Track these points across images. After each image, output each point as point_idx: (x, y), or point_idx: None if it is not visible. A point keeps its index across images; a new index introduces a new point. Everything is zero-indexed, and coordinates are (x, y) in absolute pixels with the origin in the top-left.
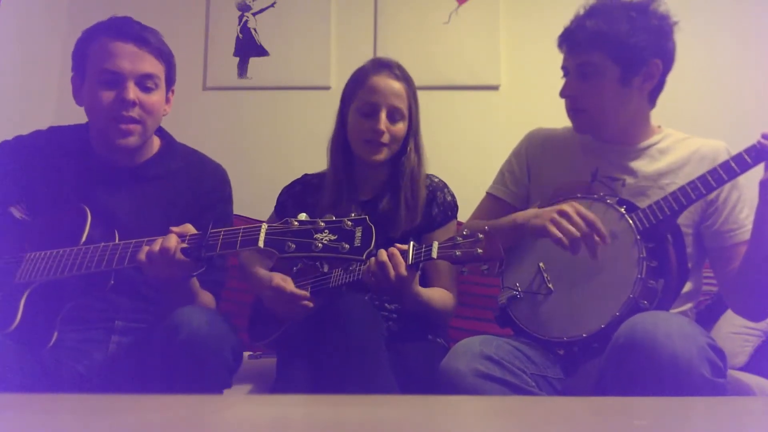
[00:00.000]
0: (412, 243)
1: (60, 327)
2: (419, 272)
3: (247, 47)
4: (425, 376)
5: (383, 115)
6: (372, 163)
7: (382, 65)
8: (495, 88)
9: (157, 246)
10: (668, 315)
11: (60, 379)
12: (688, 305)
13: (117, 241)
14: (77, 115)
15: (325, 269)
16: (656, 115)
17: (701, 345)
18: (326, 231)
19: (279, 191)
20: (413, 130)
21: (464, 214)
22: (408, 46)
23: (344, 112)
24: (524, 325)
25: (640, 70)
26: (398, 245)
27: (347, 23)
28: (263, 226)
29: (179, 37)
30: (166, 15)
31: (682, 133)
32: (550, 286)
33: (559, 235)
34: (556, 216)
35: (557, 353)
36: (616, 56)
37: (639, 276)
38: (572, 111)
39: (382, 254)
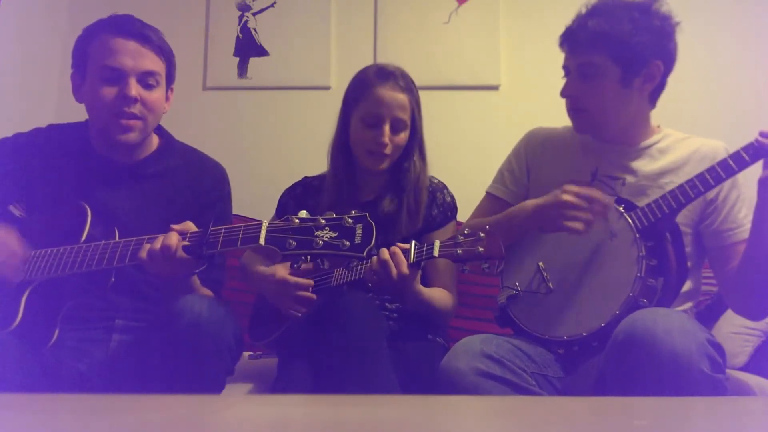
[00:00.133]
0: (413, 242)
1: (61, 326)
2: (420, 272)
3: (247, 47)
4: (425, 376)
5: (387, 128)
6: (374, 171)
7: (386, 75)
8: (495, 88)
9: (158, 244)
10: (668, 311)
11: (60, 378)
12: (688, 304)
13: (117, 239)
14: (77, 114)
15: (326, 266)
16: (656, 115)
17: (701, 341)
18: (327, 228)
19: (279, 191)
20: (417, 138)
21: (464, 214)
22: (408, 46)
23: (346, 116)
24: (524, 324)
25: (641, 70)
26: (400, 244)
27: (347, 23)
28: (264, 224)
29: (179, 37)
30: (166, 15)
31: (682, 133)
32: (549, 285)
33: (579, 227)
34: (564, 212)
35: (557, 352)
36: (618, 57)
37: (638, 274)
38: (573, 111)
39: (384, 253)
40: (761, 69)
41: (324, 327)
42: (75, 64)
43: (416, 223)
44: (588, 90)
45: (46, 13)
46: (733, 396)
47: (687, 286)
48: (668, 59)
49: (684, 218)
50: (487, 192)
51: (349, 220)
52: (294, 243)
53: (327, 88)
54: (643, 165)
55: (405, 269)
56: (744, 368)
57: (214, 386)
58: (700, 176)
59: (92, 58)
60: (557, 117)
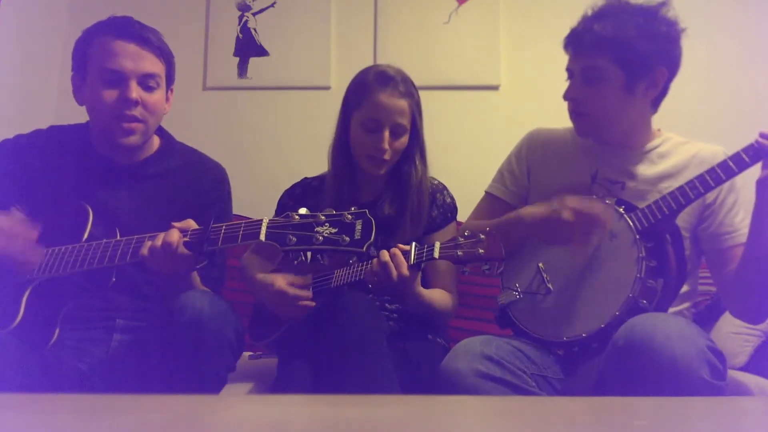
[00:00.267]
0: (414, 243)
1: (61, 325)
2: (420, 273)
3: (247, 47)
4: (425, 376)
5: (386, 134)
6: (372, 174)
7: (386, 80)
8: (495, 88)
9: (159, 241)
10: (667, 317)
11: (61, 377)
12: (685, 305)
13: (119, 238)
14: (77, 115)
15: (326, 262)
16: (656, 116)
17: (700, 347)
18: (327, 224)
19: (279, 191)
20: (418, 142)
21: (464, 215)
22: (408, 46)
23: (346, 117)
24: (524, 325)
25: (646, 76)
26: (400, 245)
27: (347, 23)
28: (264, 220)
29: (179, 37)
30: (166, 15)
31: (682, 137)
32: (549, 286)
33: (582, 244)
34: (567, 230)
35: (557, 353)
36: (622, 62)
37: (638, 275)
38: (575, 114)
39: (384, 254)
40: (761, 70)
41: (324, 327)
42: (75, 66)
43: (419, 227)
44: (591, 94)
45: (46, 13)
46: (733, 396)
47: (684, 287)
48: (673, 65)
49: (682, 221)
50: (486, 192)
51: (349, 216)
52: (294, 239)
53: (327, 88)
54: (643, 169)
55: (405, 271)
56: (744, 368)
57: (216, 382)
58: (699, 177)
59: (92, 60)
60: (557, 117)
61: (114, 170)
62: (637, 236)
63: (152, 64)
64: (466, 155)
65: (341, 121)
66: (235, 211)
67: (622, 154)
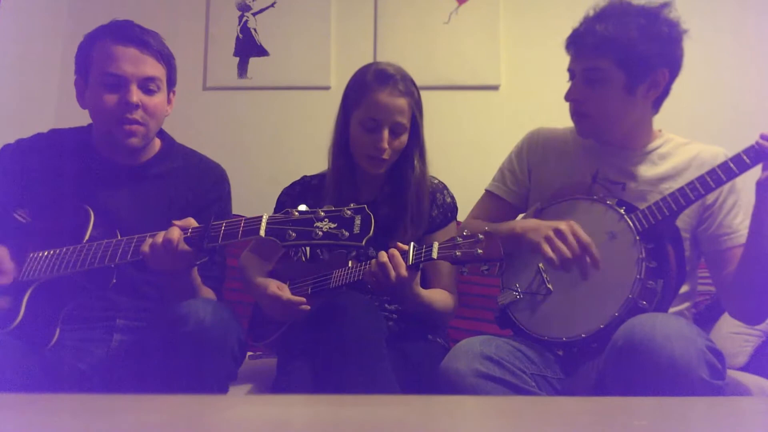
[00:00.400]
0: (412, 244)
1: (62, 326)
2: (419, 273)
3: (247, 47)
4: (425, 376)
5: (386, 134)
6: (372, 174)
7: (385, 79)
8: (495, 88)
9: (160, 238)
10: (667, 317)
11: (61, 377)
12: (685, 305)
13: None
14: (78, 117)
15: (325, 257)
16: (656, 117)
17: (700, 347)
18: (326, 219)
19: (279, 191)
20: (418, 140)
21: (464, 215)
22: (408, 46)
23: (346, 116)
24: (524, 325)
25: (647, 77)
26: (399, 244)
27: (347, 23)
28: (264, 216)
29: (179, 38)
30: (166, 15)
31: (682, 138)
32: (549, 286)
33: (551, 255)
34: (551, 234)
35: (557, 353)
36: (624, 63)
37: (638, 276)
38: (576, 115)
39: (383, 255)
40: (761, 70)
41: (323, 328)
42: (78, 70)
43: (419, 227)
44: (592, 95)
45: (46, 13)
46: (732, 396)
47: (684, 287)
48: (674, 67)
49: (682, 222)
50: (486, 190)
51: (348, 211)
52: (294, 234)
53: (327, 88)
54: (644, 170)
55: (404, 271)
56: (744, 368)
57: (216, 391)
58: (700, 179)
59: (94, 64)
60: (557, 117)
61: (115, 172)
62: (638, 237)
63: (152, 68)
64: (466, 155)
65: (340, 119)
66: (235, 211)
67: (623, 154)
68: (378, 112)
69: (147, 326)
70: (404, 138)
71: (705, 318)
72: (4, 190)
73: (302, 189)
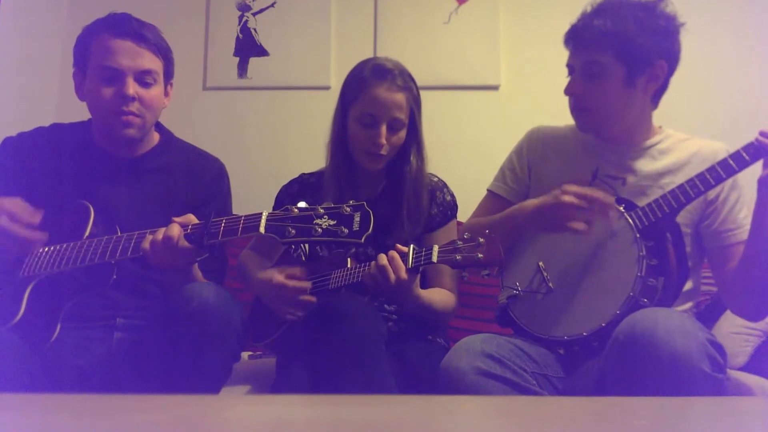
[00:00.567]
0: (412, 246)
1: (62, 323)
2: (419, 273)
3: (247, 47)
4: (426, 377)
5: (383, 129)
6: (370, 170)
7: (383, 74)
8: (495, 88)
9: (160, 235)
10: (668, 311)
11: (61, 375)
12: (688, 304)
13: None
14: (77, 113)
15: (324, 253)
16: (656, 115)
17: (701, 341)
18: (326, 217)
19: (279, 191)
20: (416, 137)
21: (464, 215)
22: (408, 46)
23: (344, 111)
24: (524, 324)
25: (646, 70)
26: (398, 246)
27: (347, 23)
28: (264, 213)
29: (179, 37)
30: (166, 15)
31: (683, 134)
32: (550, 284)
33: (581, 227)
34: (567, 213)
35: (558, 352)
36: (623, 56)
37: (639, 274)
38: (576, 110)
39: (382, 258)
40: (761, 69)
41: (322, 328)
42: (76, 63)
43: (418, 225)
44: (592, 89)
45: (46, 13)
46: (733, 396)
47: (687, 285)
48: (672, 59)
49: (684, 218)
50: (488, 190)
51: (347, 208)
52: (293, 231)
53: (327, 88)
54: (644, 165)
55: (403, 274)
56: (744, 368)
57: (222, 371)
58: (700, 176)
59: (91, 58)
60: (557, 117)
61: (114, 164)
62: (638, 235)
63: (149, 61)
64: (466, 155)
65: (338, 115)
66: (235, 210)
67: (622, 150)
68: (375, 108)
69: (148, 324)
70: (402, 134)
71: (705, 318)
72: (5, 183)
73: (300, 187)
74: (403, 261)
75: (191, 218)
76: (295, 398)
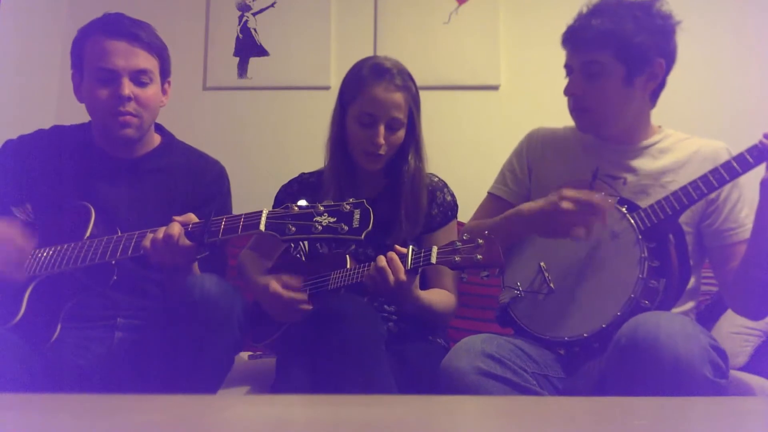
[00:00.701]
0: (411, 247)
1: (63, 323)
2: (419, 274)
3: (247, 47)
4: (425, 377)
5: (382, 129)
6: (369, 170)
7: (381, 73)
8: (495, 88)
9: (161, 233)
10: (671, 315)
11: (62, 375)
12: (690, 304)
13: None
14: (77, 114)
15: (324, 250)
16: (656, 115)
17: (703, 346)
18: (325, 214)
19: (278, 191)
20: (415, 137)
21: (464, 215)
22: (408, 46)
23: (342, 110)
24: (525, 324)
25: (645, 69)
26: (397, 248)
27: (347, 23)
28: (264, 211)
29: (179, 37)
30: (166, 15)
31: (683, 133)
32: (551, 285)
33: (580, 234)
34: (560, 219)
35: (558, 353)
36: (622, 55)
37: (640, 276)
38: (576, 110)
39: (381, 260)
40: (761, 69)
41: (322, 329)
42: (73, 65)
43: (416, 225)
44: (592, 88)
45: (46, 13)
46: (734, 396)
47: (689, 285)
48: (670, 58)
49: (686, 217)
50: (488, 192)
51: (347, 206)
52: (293, 228)
53: (327, 88)
54: (644, 164)
55: (402, 276)
56: (744, 368)
57: (225, 361)
58: (703, 178)
59: (87, 59)
60: (557, 117)
61: (114, 165)
62: (640, 236)
63: (144, 60)
64: (466, 155)
65: (337, 114)
66: (235, 210)
67: (622, 149)
68: (374, 107)
69: (148, 324)
70: (401, 133)
71: (705, 318)
72: (4, 186)
73: (300, 186)
74: (402, 262)
75: (191, 217)
76: (295, 398)
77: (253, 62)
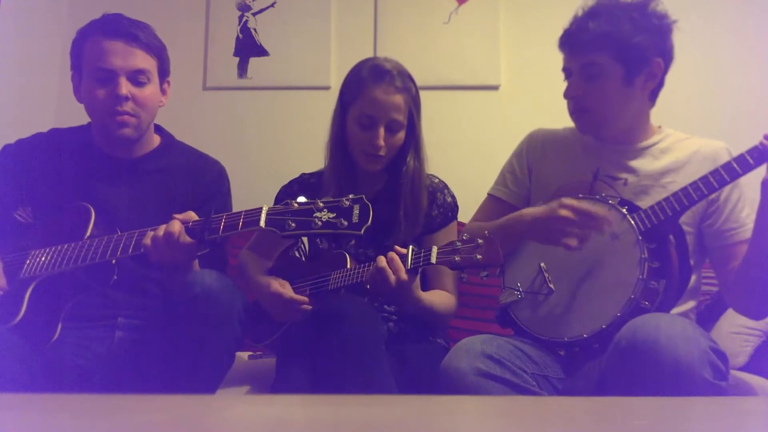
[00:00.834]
0: (411, 247)
1: (63, 322)
2: (419, 275)
3: (247, 47)
4: (425, 377)
5: (381, 131)
6: (369, 170)
7: (382, 74)
8: (495, 88)
9: (161, 231)
10: (671, 317)
11: (62, 374)
12: (691, 303)
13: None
14: (77, 116)
15: (324, 246)
16: (656, 115)
17: (703, 348)
18: (325, 210)
19: (278, 191)
20: (414, 137)
21: (464, 215)
22: (408, 46)
23: (343, 111)
24: (525, 325)
25: (644, 69)
26: (397, 248)
27: (347, 23)
28: (264, 208)
29: (179, 37)
30: (166, 15)
31: (683, 133)
32: (551, 286)
33: (573, 243)
34: (558, 227)
35: (558, 353)
36: (620, 56)
37: (640, 277)
38: (576, 112)
39: (381, 260)
40: (761, 69)
41: (322, 329)
42: (72, 65)
43: (416, 226)
44: (592, 90)
45: (46, 13)
46: (734, 396)
47: (690, 284)
48: (667, 57)
49: (686, 217)
50: (488, 194)
51: (347, 201)
52: (293, 224)
53: (327, 88)
54: (645, 164)
55: (403, 275)
56: (744, 368)
57: (226, 357)
58: (703, 179)
59: (86, 59)
60: (557, 117)
61: (114, 166)
62: (640, 237)
63: (141, 60)
64: (466, 155)
65: (337, 115)
66: (235, 210)
67: (622, 150)
68: (373, 109)
69: (148, 323)
70: (401, 135)
71: (705, 318)
72: (4, 189)
73: (300, 187)
74: (402, 262)
75: (192, 215)
76: (295, 398)
77: (253, 62)
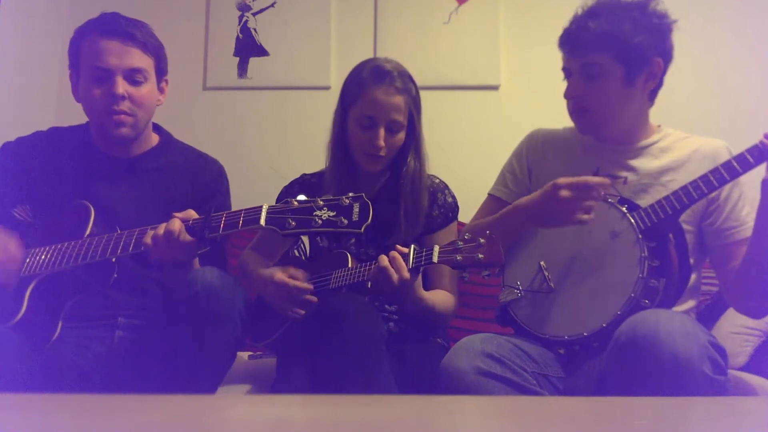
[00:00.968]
0: (413, 247)
1: (64, 322)
2: (421, 275)
3: (247, 47)
4: (425, 377)
5: (382, 131)
6: (370, 171)
7: (382, 75)
8: (495, 88)
9: (161, 229)
10: (670, 313)
11: (62, 373)
12: (691, 303)
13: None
14: (76, 114)
15: (324, 244)
16: (655, 114)
17: (703, 343)
18: (325, 208)
19: (279, 191)
20: (414, 138)
21: (464, 215)
22: (408, 46)
23: (344, 113)
24: (525, 323)
25: (644, 69)
26: (399, 247)
27: (347, 23)
28: (264, 206)
29: (179, 37)
30: (166, 15)
31: (682, 132)
32: (551, 284)
33: (585, 217)
34: (562, 208)
35: (558, 352)
36: (621, 56)
37: (640, 275)
38: (576, 112)
39: (383, 259)
40: (761, 69)
41: (323, 328)
42: (70, 65)
43: (416, 226)
44: (592, 90)
45: (46, 13)
46: (734, 396)
47: (690, 283)
48: (667, 56)
49: (687, 216)
50: (489, 194)
51: (346, 199)
52: (294, 222)
53: (327, 88)
54: (645, 163)
55: (405, 274)
56: (744, 368)
57: (227, 354)
58: (703, 178)
59: (83, 58)
60: (557, 117)
61: (112, 165)
62: (640, 236)
63: (138, 59)
64: (466, 155)
65: (338, 116)
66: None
67: (622, 149)
68: (374, 110)
69: (149, 323)
70: (401, 136)
71: (705, 317)
72: (4, 188)
73: (301, 187)
74: (404, 261)
75: (192, 213)
76: (295, 398)
77: (253, 62)
